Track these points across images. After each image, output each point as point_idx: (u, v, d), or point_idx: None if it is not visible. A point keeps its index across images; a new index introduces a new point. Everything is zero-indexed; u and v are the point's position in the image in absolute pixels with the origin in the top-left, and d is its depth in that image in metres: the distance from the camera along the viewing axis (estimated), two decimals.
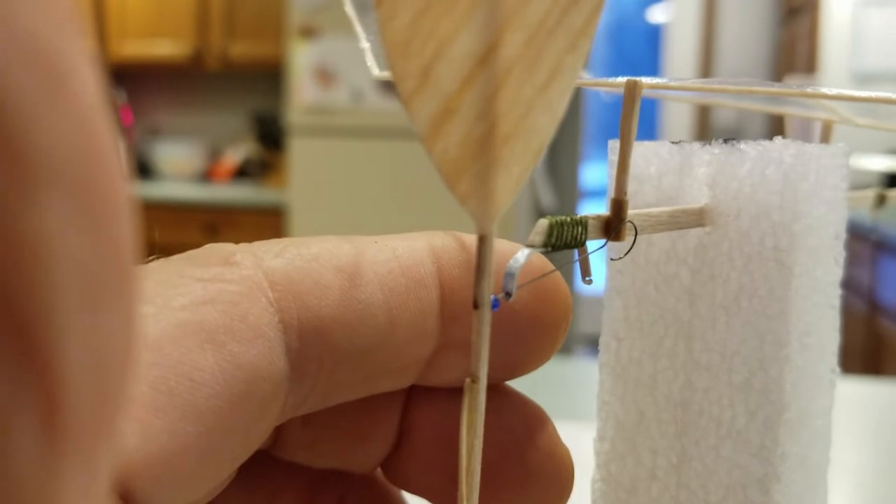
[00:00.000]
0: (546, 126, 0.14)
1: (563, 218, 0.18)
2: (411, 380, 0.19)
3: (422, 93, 0.13)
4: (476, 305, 0.15)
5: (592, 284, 0.20)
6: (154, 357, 0.15)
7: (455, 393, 0.20)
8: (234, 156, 3.31)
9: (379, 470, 0.21)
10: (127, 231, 0.10)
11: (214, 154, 3.37)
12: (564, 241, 0.18)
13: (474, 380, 0.16)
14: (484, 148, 0.13)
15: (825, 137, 0.28)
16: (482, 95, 0.13)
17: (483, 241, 0.15)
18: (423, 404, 0.20)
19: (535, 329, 0.19)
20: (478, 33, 0.13)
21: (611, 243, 0.19)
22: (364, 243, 0.18)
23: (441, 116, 0.13)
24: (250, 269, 0.17)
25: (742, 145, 0.21)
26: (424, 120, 0.13)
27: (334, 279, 0.17)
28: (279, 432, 0.19)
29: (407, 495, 0.22)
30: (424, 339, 0.18)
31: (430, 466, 0.20)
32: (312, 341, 0.17)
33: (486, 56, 0.13)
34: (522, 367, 0.19)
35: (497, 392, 0.20)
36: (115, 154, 0.09)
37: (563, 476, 0.20)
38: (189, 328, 0.16)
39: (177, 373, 0.15)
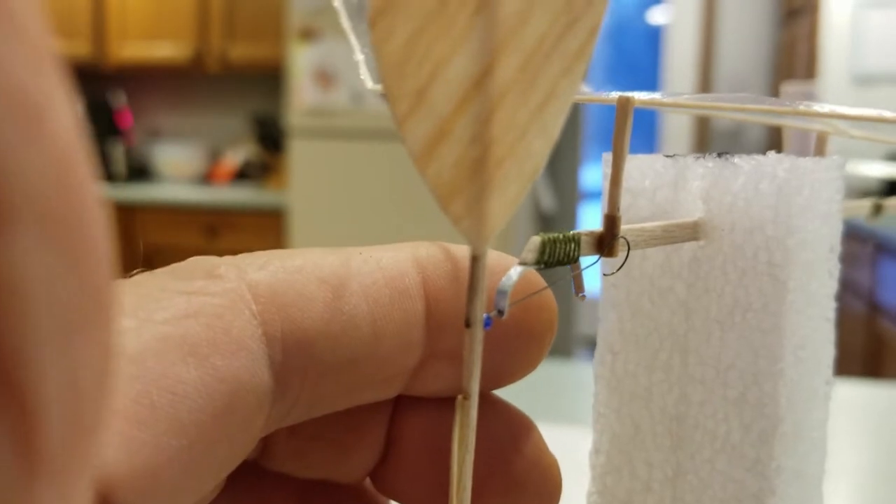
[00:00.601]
0: (540, 149, 0.14)
1: (556, 235, 0.18)
2: (397, 390, 0.19)
3: (416, 114, 0.13)
4: (468, 324, 0.15)
5: (585, 300, 0.20)
6: (136, 371, 0.15)
7: (442, 403, 0.20)
8: (234, 158, 3.32)
9: (368, 480, 0.21)
10: (103, 263, 0.10)
11: (214, 156, 3.38)
12: (557, 258, 0.18)
13: (466, 397, 0.16)
14: (478, 171, 0.13)
15: (820, 149, 0.28)
16: (477, 118, 0.13)
17: (476, 261, 0.15)
18: (410, 414, 0.20)
19: (521, 339, 0.19)
20: (473, 56, 0.13)
21: (604, 259, 0.20)
22: (348, 255, 0.18)
23: (435, 138, 0.13)
24: (234, 281, 0.17)
25: (736, 159, 0.21)
26: (418, 141, 0.13)
27: (318, 291, 0.17)
28: (266, 443, 0.19)
29: None
30: (409, 350, 0.18)
31: (417, 476, 0.20)
32: (296, 353, 0.17)
33: (481, 79, 0.13)
34: (508, 376, 0.19)
35: (483, 401, 0.20)
36: (91, 189, 0.09)
37: (549, 485, 0.20)
38: (172, 341, 0.16)
39: (159, 386, 0.15)
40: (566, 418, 0.70)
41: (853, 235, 2.42)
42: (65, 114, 0.09)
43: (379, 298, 0.18)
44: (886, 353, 2.34)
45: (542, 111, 0.14)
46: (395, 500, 0.21)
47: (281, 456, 0.20)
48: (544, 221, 2.63)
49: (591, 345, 3.22)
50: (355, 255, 0.18)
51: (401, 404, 0.20)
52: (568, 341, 2.79)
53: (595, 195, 3.45)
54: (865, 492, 0.60)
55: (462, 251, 0.19)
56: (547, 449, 0.20)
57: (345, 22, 0.25)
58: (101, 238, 0.10)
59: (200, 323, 0.16)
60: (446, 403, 0.20)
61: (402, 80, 0.13)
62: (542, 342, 0.19)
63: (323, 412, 0.18)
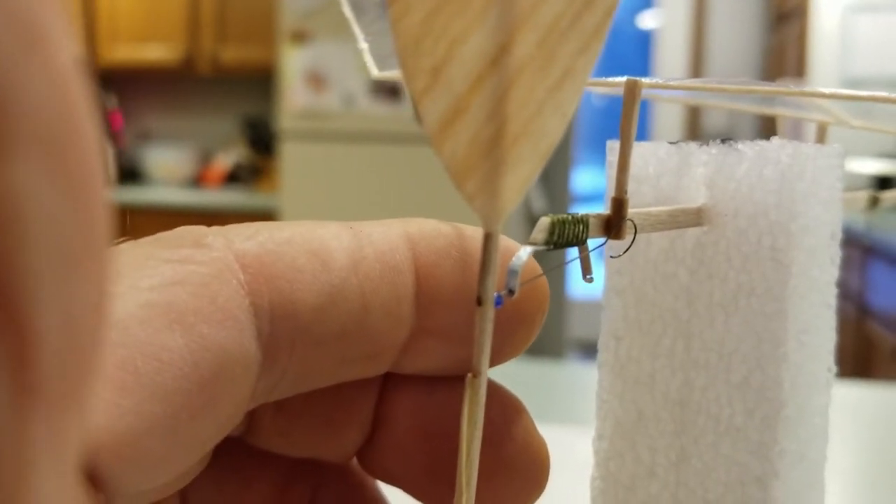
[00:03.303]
0: (555, 127, 0.14)
1: (565, 216, 0.18)
2: (386, 367, 0.19)
3: (432, 91, 0.13)
4: (480, 302, 0.15)
5: (592, 283, 0.20)
6: (121, 337, 0.15)
7: (430, 382, 0.20)
8: (225, 160, 3.31)
9: (355, 460, 0.21)
10: (100, 194, 0.10)
11: (205, 158, 3.37)
12: (566, 238, 0.18)
13: (475, 374, 0.16)
14: (493, 148, 0.13)
15: (820, 139, 0.28)
16: (493, 96, 0.13)
17: (489, 238, 0.15)
18: (399, 393, 0.20)
19: (512, 319, 0.19)
20: (490, 33, 0.13)
21: (610, 242, 0.20)
22: (339, 228, 0.18)
23: (451, 116, 0.13)
24: (221, 250, 0.17)
25: (739, 145, 0.21)
26: (434, 119, 0.13)
27: (307, 263, 0.17)
28: (253, 419, 0.19)
29: (383, 486, 0.22)
30: (399, 325, 0.18)
31: (405, 456, 0.20)
32: (284, 325, 0.17)
33: (498, 56, 0.13)
34: (498, 356, 0.19)
35: None
36: (89, 118, 0.09)
37: (538, 468, 0.19)
38: (157, 309, 0.15)
39: (144, 353, 0.15)
40: (558, 419, 0.70)
41: (844, 238, 2.43)
42: (66, 40, 0.09)
43: (368, 272, 0.18)
44: (876, 355, 2.35)
45: (558, 89, 0.14)
46: (382, 480, 0.21)
47: (267, 433, 0.20)
48: (535, 224, 2.63)
49: (582, 347, 3.23)
50: (345, 229, 0.18)
51: (389, 382, 0.20)
52: (559, 343, 2.80)
53: (585, 198, 3.45)
54: (856, 492, 0.60)
55: (453, 228, 0.19)
56: (536, 432, 0.20)
57: (347, 11, 0.25)
58: (99, 170, 0.10)
59: (186, 291, 0.16)
60: (435, 383, 0.20)
61: (419, 58, 0.13)
62: (532, 321, 0.19)
63: (311, 386, 0.18)
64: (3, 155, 0.08)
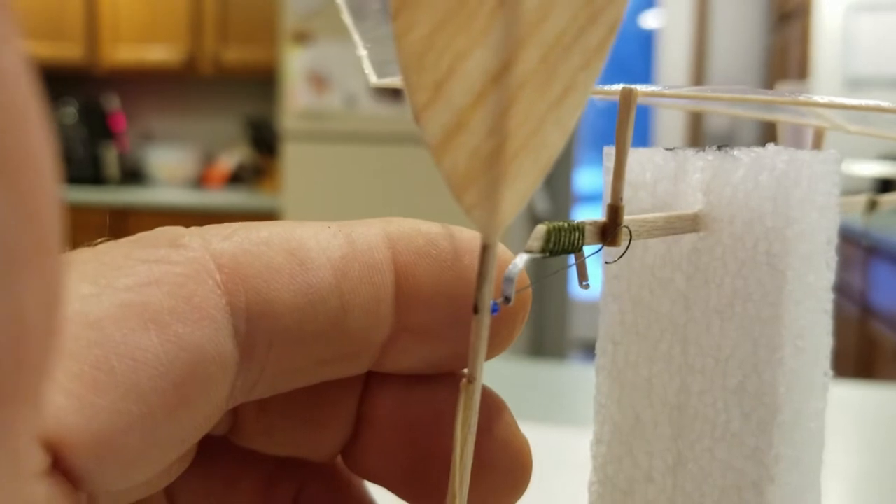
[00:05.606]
0: (556, 141, 0.14)
1: (561, 224, 0.18)
2: (367, 366, 0.19)
3: (434, 106, 0.13)
4: (476, 310, 0.16)
5: (589, 289, 0.20)
6: (96, 336, 0.15)
7: (413, 381, 0.20)
8: (228, 161, 3.31)
9: (340, 459, 0.21)
10: (49, 200, 0.10)
11: (208, 159, 3.37)
12: (562, 246, 0.18)
13: (470, 380, 0.16)
14: (493, 162, 0.14)
15: (817, 144, 0.28)
16: (494, 111, 0.13)
17: (486, 250, 0.15)
18: (381, 392, 0.20)
19: (495, 321, 0.19)
20: (494, 50, 0.13)
21: (606, 248, 0.20)
22: (317, 228, 0.18)
23: (452, 130, 0.13)
24: (197, 251, 0.17)
25: (736, 152, 0.21)
26: (435, 132, 0.13)
27: (285, 263, 0.17)
28: (236, 418, 0.19)
29: (371, 486, 0.22)
30: (378, 325, 0.18)
31: (389, 454, 0.20)
32: (261, 325, 0.17)
33: (501, 72, 0.13)
34: None
35: (455, 380, 0.20)
36: (37, 123, 0.09)
37: (520, 465, 0.20)
38: (133, 309, 0.16)
39: (119, 353, 0.15)
40: (561, 419, 0.70)
41: (846, 238, 2.43)
42: (12, 43, 0.09)
43: (347, 272, 0.18)
44: (878, 355, 2.35)
45: (559, 104, 0.14)
46: (366, 478, 0.21)
47: (251, 432, 0.20)
48: (538, 224, 2.63)
49: (585, 347, 3.23)
50: (324, 229, 0.18)
51: (371, 381, 0.20)
52: (562, 344, 2.80)
53: (587, 199, 3.45)
54: (858, 492, 0.60)
55: (442, 227, 0.19)
56: (518, 430, 0.20)
57: (346, 18, 0.25)
58: (48, 172, 0.09)
59: (162, 291, 0.16)
60: (417, 381, 0.20)
61: (422, 73, 0.13)
62: (514, 322, 0.19)
63: (291, 386, 0.18)
64: None
